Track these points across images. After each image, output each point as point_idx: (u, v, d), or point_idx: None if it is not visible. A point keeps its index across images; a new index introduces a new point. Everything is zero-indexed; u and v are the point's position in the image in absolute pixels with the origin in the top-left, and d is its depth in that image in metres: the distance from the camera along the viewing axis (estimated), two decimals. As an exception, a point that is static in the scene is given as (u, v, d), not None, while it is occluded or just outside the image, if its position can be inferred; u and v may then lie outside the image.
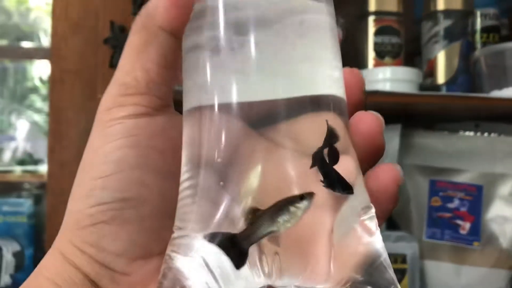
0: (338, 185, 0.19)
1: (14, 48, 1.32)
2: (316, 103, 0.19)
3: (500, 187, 0.83)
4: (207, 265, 0.18)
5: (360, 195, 0.20)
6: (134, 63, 0.21)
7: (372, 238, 0.19)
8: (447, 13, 0.86)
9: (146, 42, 0.21)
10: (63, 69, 0.65)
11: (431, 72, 0.87)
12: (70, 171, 0.65)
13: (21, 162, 1.29)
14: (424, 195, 0.84)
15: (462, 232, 0.82)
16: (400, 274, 0.79)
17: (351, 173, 0.19)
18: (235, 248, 0.18)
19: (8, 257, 0.88)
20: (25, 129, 1.35)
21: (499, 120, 0.86)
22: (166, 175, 0.22)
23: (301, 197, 0.18)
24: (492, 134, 0.85)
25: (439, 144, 0.84)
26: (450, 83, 0.85)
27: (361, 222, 0.19)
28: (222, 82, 0.19)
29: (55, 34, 0.66)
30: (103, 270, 0.21)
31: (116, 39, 0.64)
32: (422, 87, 0.84)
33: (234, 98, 0.19)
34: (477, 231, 0.82)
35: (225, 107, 0.19)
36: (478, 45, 0.89)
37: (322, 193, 0.18)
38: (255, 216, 0.17)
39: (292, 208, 0.17)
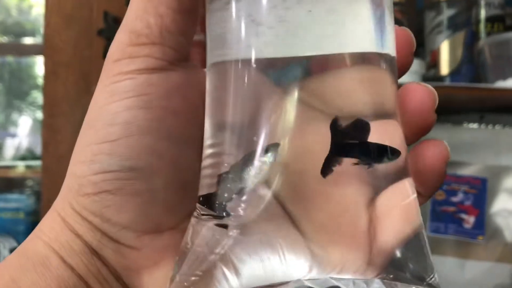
0: (357, 154, 0.17)
1: (15, 45, 1.32)
2: (358, 58, 0.18)
3: (505, 179, 0.81)
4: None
5: (403, 172, 0.18)
6: (146, 5, 0.18)
7: (415, 219, 0.18)
8: (451, 2, 0.84)
9: None
10: (57, 62, 0.64)
11: (434, 63, 0.85)
12: (66, 165, 0.63)
13: (23, 158, 1.29)
14: (427, 188, 0.82)
15: (466, 226, 0.81)
16: (403, 269, 0.78)
17: (395, 142, 0.18)
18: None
19: (5, 254, 0.87)
20: (27, 125, 1.35)
21: (504, 111, 0.84)
22: (180, 141, 0.19)
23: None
24: (497, 126, 0.83)
25: (443, 136, 0.82)
26: (454, 73, 0.83)
27: (405, 202, 0.18)
28: (252, 35, 0.17)
29: (48, 27, 0.65)
30: (106, 240, 0.19)
31: (110, 31, 0.63)
32: (425, 78, 0.82)
33: (266, 52, 0.17)
34: (482, 225, 0.81)
35: (254, 63, 0.17)
36: (483, 34, 0.87)
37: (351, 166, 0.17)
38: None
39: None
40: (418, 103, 0.20)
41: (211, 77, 0.18)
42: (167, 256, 0.19)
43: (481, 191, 0.81)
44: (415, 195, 0.19)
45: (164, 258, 0.19)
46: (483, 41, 0.84)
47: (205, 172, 0.18)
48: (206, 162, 0.18)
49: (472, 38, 0.85)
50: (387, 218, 0.17)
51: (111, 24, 0.62)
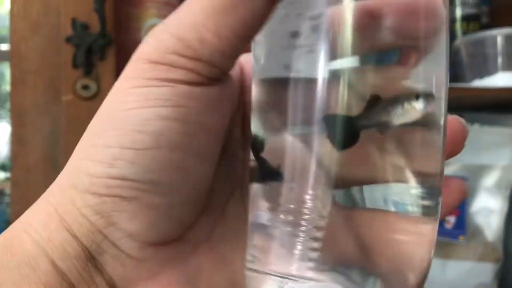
0: None
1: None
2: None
3: (484, 178, 0.81)
4: None
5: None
6: (208, 20, 0.16)
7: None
8: (426, 2, 0.84)
9: (234, 2, 0.16)
10: (24, 70, 0.62)
11: (411, 63, 0.85)
12: (35, 177, 0.62)
13: (2, 167, 1.26)
14: (407, 189, 0.82)
15: (447, 226, 0.81)
16: (385, 271, 0.77)
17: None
18: (347, 126, 0.17)
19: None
20: (6, 133, 1.32)
21: (482, 110, 0.84)
22: (207, 158, 0.18)
23: (417, 96, 0.18)
24: (475, 125, 0.83)
25: (422, 136, 0.82)
26: (431, 73, 0.83)
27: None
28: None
29: (14, 34, 0.63)
30: (107, 245, 0.18)
31: (79, 37, 0.61)
32: (402, 79, 0.81)
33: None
34: (463, 225, 0.80)
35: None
36: (458, 34, 0.87)
37: None
38: (374, 102, 0.17)
39: (406, 104, 0.17)
40: (452, 132, 0.20)
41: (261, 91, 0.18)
42: (167, 268, 0.19)
43: (461, 191, 0.81)
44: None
45: (163, 271, 0.19)
46: (459, 40, 0.84)
47: None
48: None
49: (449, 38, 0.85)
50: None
51: (80, 31, 0.60)
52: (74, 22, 0.61)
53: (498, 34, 0.77)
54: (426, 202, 0.18)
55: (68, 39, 0.61)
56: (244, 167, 0.21)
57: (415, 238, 0.18)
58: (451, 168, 0.82)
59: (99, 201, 0.17)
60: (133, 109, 0.17)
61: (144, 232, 0.18)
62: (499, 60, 0.78)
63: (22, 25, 0.62)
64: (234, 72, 0.20)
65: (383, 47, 0.18)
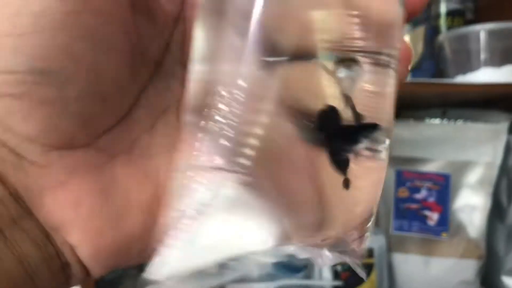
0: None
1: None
2: None
3: (467, 175, 0.81)
4: None
5: None
6: None
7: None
8: (410, -4, 0.83)
9: None
10: None
11: (395, 59, 0.84)
12: None
13: None
14: (390, 186, 0.81)
15: (430, 223, 0.80)
16: (368, 268, 0.76)
17: None
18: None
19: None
20: None
21: (466, 106, 0.84)
22: (101, 45, 0.17)
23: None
24: (459, 121, 0.83)
25: (405, 132, 0.81)
26: (414, 69, 0.82)
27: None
28: None
29: None
30: (6, 153, 0.16)
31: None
32: (386, 74, 0.81)
33: None
34: (445, 222, 0.80)
35: None
36: (443, 29, 0.87)
37: None
38: None
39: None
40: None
41: None
42: (76, 176, 0.17)
43: (444, 188, 0.81)
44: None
45: (72, 178, 0.17)
46: (443, 35, 0.83)
47: None
48: None
49: (432, 33, 0.85)
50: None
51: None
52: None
53: (481, 30, 0.76)
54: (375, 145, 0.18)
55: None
56: (183, 85, 0.19)
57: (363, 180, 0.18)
58: (434, 164, 0.82)
59: None
60: None
61: (43, 133, 0.16)
62: (482, 55, 0.77)
63: None
64: None
65: None
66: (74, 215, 0.17)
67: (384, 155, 0.18)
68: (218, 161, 0.16)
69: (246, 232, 0.16)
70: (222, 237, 0.16)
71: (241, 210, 0.16)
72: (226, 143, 0.16)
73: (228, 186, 0.16)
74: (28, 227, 0.17)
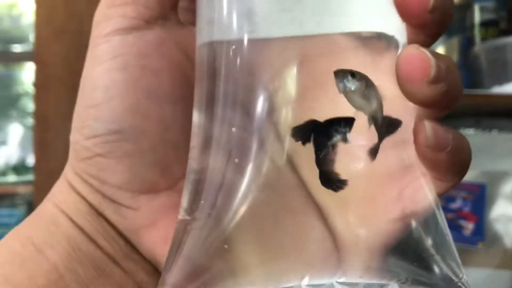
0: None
1: (5, 53, 1.30)
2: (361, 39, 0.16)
3: (503, 185, 0.81)
4: None
5: None
6: None
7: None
8: (445, 7, 0.84)
9: None
10: (48, 75, 0.63)
11: (429, 69, 0.85)
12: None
13: (14, 169, 1.26)
14: (425, 195, 0.81)
15: (466, 233, 0.80)
16: (403, 277, 0.77)
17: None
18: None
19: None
20: (19, 134, 1.33)
21: (500, 116, 0.84)
22: (163, 100, 0.20)
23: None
24: (493, 131, 0.83)
25: (440, 142, 0.82)
26: (449, 79, 0.83)
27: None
28: (240, 15, 0.16)
29: (39, 40, 0.64)
30: (106, 201, 0.20)
31: (102, 43, 0.61)
32: (420, 85, 0.81)
33: (253, 34, 0.16)
34: (481, 232, 0.80)
35: (241, 44, 0.16)
36: (477, 39, 0.87)
37: None
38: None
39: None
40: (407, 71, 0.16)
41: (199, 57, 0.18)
42: (164, 216, 0.20)
43: (479, 197, 0.81)
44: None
45: (161, 218, 0.20)
46: (479, 46, 0.83)
47: None
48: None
49: (467, 43, 0.85)
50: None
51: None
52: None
53: (519, 41, 0.76)
54: None
55: (92, 45, 0.61)
56: None
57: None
58: (469, 174, 0.82)
59: (86, 164, 0.19)
60: (87, 72, 0.19)
61: (129, 181, 0.19)
62: (520, 67, 0.77)
63: (46, 31, 0.62)
64: None
65: None
66: (166, 251, 0.19)
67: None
68: None
69: None
70: None
71: None
72: None
73: None
74: (139, 259, 0.20)
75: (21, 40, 1.32)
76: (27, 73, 1.36)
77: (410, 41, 0.17)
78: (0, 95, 1.38)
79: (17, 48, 1.30)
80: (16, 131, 1.34)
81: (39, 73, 0.63)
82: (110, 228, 0.20)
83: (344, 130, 0.16)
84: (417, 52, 0.16)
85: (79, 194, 0.20)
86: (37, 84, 0.63)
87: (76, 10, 0.62)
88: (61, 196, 0.20)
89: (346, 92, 0.16)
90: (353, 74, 0.16)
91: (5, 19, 1.36)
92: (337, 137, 0.16)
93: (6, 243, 0.19)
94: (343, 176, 0.16)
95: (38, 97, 0.63)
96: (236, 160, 0.16)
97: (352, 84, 0.16)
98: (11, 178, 1.24)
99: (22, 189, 1.09)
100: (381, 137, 0.16)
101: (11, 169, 1.25)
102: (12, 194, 1.11)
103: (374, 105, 0.16)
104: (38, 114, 0.63)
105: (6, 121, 1.35)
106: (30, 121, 1.28)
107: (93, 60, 0.19)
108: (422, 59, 0.16)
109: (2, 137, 1.33)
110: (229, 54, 0.16)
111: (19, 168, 1.24)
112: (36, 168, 0.63)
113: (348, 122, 0.16)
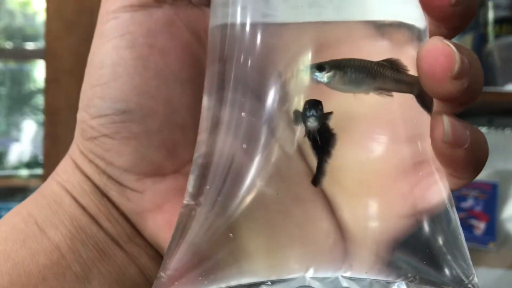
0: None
1: (18, 50, 1.32)
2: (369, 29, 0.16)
3: (515, 184, 0.80)
4: None
5: None
6: None
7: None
8: (458, 4, 0.83)
9: None
10: (58, 68, 0.63)
11: (441, 66, 0.84)
12: None
13: (27, 165, 1.28)
14: (436, 194, 0.80)
15: (477, 232, 0.79)
16: (412, 276, 0.76)
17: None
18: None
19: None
20: (31, 130, 1.34)
21: (514, 114, 0.83)
22: (172, 80, 0.19)
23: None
24: (506, 130, 0.81)
25: (451, 140, 0.81)
26: (461, 77, 0.82)
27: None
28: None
29: (49, 33, 0.64)
30: (112, 183, 0.19)
31: (112, 37, 0.61)
32: (432, 82, 0.80)
33: (269, 17, 0.16)
34: (493, 231, 0.79)
35: (256, 28, 0.16)
36: (491, 37, 0.86)
37: None
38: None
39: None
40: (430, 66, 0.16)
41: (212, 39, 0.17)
42: (170, 200, 0.19)
43: (491, 197, 0.80)
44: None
45: (167, 202, 0.19)
46: (492, 44, 0.82)
47: None
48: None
49: (480, 41, 0.84)
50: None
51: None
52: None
53: (533, 38, 0.75)
54: None
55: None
56: None
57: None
58: (481, 173, 0.81)
59: (93, 144, 0.19)
60: (95, 49, 0.19)
61: (136, 163, 0.19)
62: (534, 64, 0.76)
63: (56, 24, 0.63)
64: None
65: None
66: (170, 236, 0.19)
67: None
68: None
69: None
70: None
71: None
72: None
73: None
74: (142, 243, 0.20)
75: (34, 37, 1.34)
76: (40, 70, 1.37)
77: (431, 33, 0.17)
78: (13, 92, 1.39)
79: (30, 45, 1.31)
80: (29, 128, 1.35)
81: (49, 67, 0.64)
82: (114, 210, 0.19)
83: (311, 113, 0.15)
84: (442, 45, 0.15)
85: (84, 173, 0.19)
86: (47, 78, 0.63)
87: (86, 3, 0.63)
88: (65, 175, 0.20)
89: (325, 84, 0.15)
90: (322, 67, 0.15)
91: (19, 17, 1.38)
92: (310, 121, 0.15)
93: (9, 220, 0.19)
94: (343, 169, 0.16)
95: (48, 91, 0.63)
96: (244, 145, 0.16)
97: (322, 78, 0.15)
98: (24, 172, 1.25)
99: (33, 183, 1.10)
100: None
101: (24, 165, 1.26)
102: (24, 188, 1.12)
103: (364, 87, 0.15)
104: (48, 108, 0.63)
105: (20, 118, 1.36)
106: (42, 117, 1.29)
107: (100, 37, 0.19)
108: (446, 53, 0.15)
109: (16, 134, 1.34)
110: (243, 38, 0.16)
111: (32, 164, 1.25)
112: (45, 162, 0.63)
113: (313, 105, 0.15)
